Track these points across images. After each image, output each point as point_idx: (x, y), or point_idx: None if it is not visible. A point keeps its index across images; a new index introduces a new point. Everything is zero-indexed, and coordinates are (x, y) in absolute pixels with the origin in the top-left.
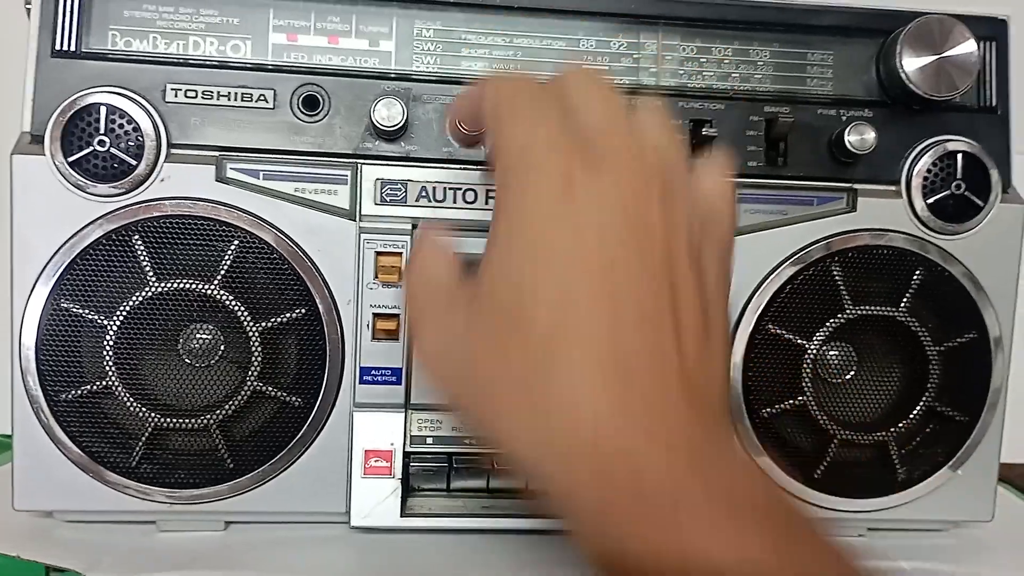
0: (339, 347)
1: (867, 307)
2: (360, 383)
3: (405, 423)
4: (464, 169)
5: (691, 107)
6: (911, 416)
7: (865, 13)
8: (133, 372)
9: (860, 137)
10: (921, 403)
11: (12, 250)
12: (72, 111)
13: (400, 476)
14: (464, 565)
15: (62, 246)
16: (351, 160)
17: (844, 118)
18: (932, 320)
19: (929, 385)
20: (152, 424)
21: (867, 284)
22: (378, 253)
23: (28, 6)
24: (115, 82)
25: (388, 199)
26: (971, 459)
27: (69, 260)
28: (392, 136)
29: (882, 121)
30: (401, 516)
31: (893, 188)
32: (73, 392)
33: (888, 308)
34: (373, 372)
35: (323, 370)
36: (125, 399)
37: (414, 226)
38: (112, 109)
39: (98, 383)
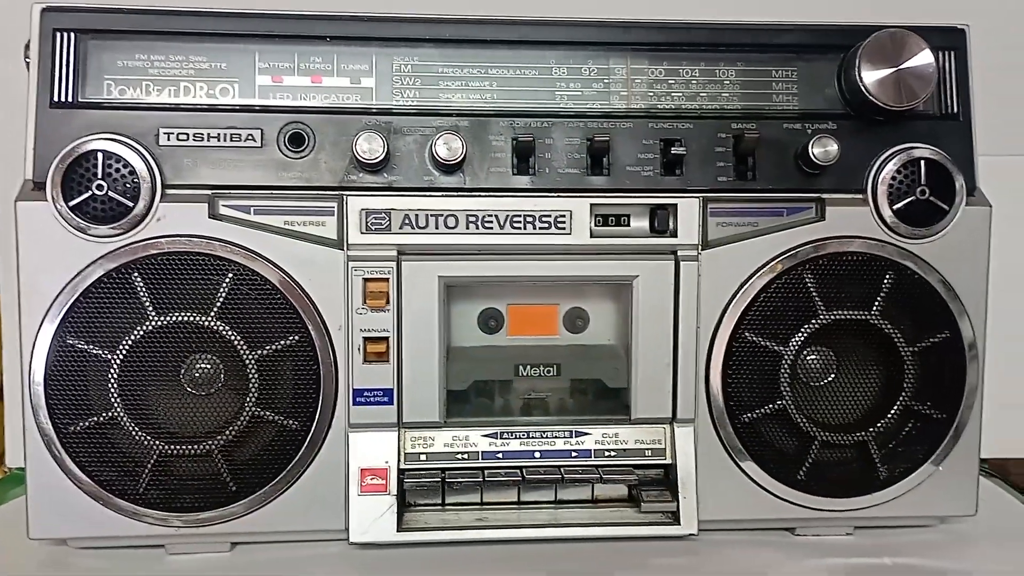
0: (332, 371)
1: (840, 312)
2: (354, 404)
3: (399, 441)
4: (444, 196)
5: (661, 127)
6: (889, 416)
7: (825, 30)
8: (137, 403)
9: (824, 149)
10: (898, 403)
11: (19, 291)
12: (71, 158)
13: (395, 492)
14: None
15: (66, 286)
16: (337, 192)
17: (809, 131)
18: (905, 322)
19: (905, 385)
20: (157, 452)
21: (840, 290)
22: (366, 280)
23: (27, 60)
24: (111, 129)
25: (373, 228)
26: (951, 455)
27: (73, 299)
28: (375, 168)
29: (846, 132)
30: (397, 531)
31: (860, 196)
32: (81, 424)
33: (861, 312)
34: (366, 393)
35: (318, 393)
36: (131, 429)
37: (399, 253)
38: (108, 155)
39: (104, 414)
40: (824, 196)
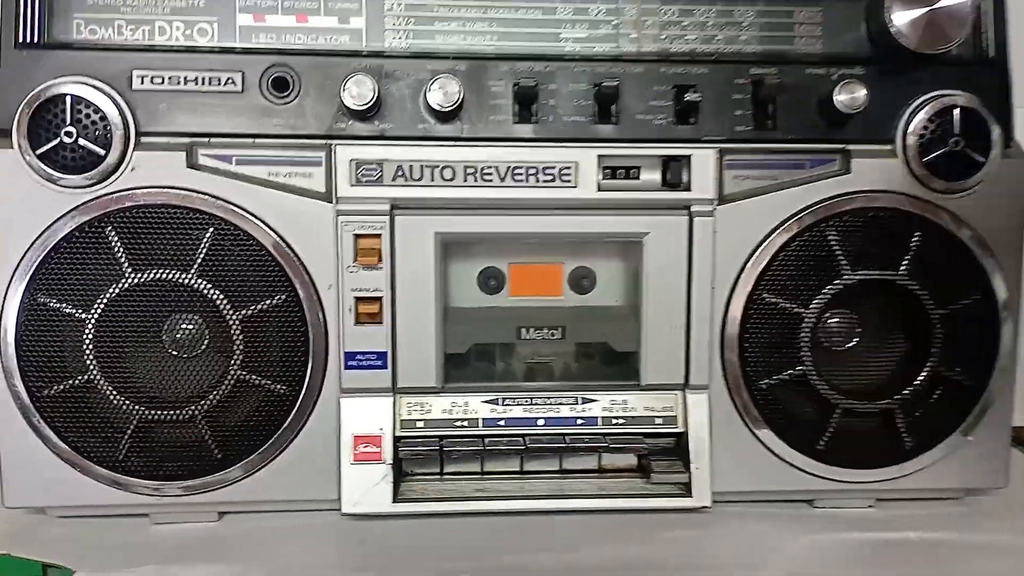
0: (322, 333)
1: (866, 271)
2: (345, 368)
3: (394, 407)
4: (441, 146)
5: (674, 72)
6: (916, 382)
7: None
8: (115, 365)
9: (851, 96)
10: (926, 368)
11: None
12: (37, 103)
13: (391, 461)
14: (458, 548)
15: (36, 240)
16: (324, 141)
17: (834, 77)
18: (934, 283)
19: (934, 350)
20: (137, 417)
21: (865, 248)
22: (357, 236)
23: None
24: (80, 71)
25: (364, 180)
26: (981, 424)
27: (43, 254)
28: (365, 115)
29: (874, 78)
30: (393, 501)
31: (888, 148)
32: (56, 387)
33: (888, 272)
34: (358, 357)
35: (307, 356)
36: (108, 393)
37: (393, 207)
38: (78, 99)
39: (80, 377)
40: (849, 147)
